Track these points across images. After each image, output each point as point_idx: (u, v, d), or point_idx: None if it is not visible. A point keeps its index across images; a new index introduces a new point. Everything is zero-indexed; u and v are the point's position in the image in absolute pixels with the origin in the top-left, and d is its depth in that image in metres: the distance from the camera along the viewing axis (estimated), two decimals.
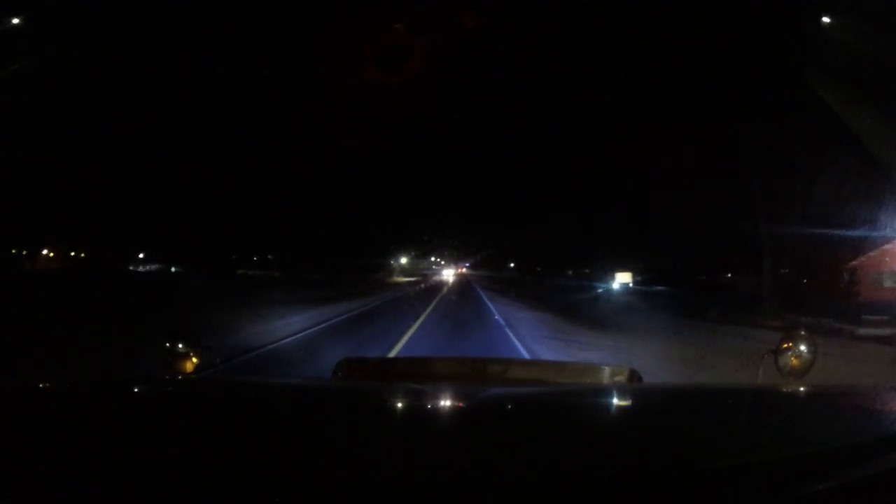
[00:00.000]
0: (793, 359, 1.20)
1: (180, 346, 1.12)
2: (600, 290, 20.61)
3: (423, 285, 28.61)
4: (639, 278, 21.42)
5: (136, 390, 1.08)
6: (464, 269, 45.97)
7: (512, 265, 43.82)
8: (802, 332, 1.22)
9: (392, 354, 6.04)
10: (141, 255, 24.54)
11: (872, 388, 1.25)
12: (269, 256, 25.76)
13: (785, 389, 1.16)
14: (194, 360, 1.12)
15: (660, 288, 20.30)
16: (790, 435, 0.80)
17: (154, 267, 24.61)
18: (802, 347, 1.20)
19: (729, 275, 22.51)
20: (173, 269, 23.99)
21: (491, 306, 14.17)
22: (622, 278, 21.01)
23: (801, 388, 1.16)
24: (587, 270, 28.79)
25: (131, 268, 23.08)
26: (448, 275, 41.74)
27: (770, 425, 0.90)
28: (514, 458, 0.68)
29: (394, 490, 0.58)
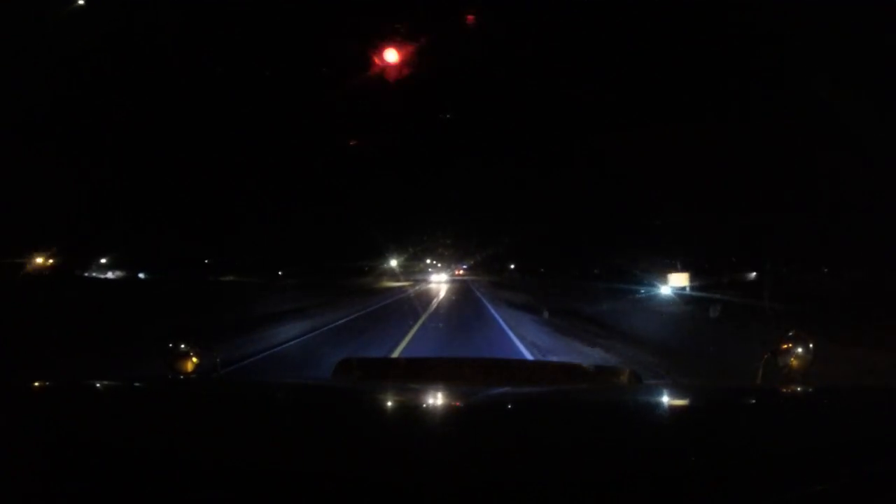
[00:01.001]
0: (792, 359, 1.32)
1: (181, 346, 1.22)
2: (657, 298, 14.34)
3: (412, 292, 23.77)
4: (695, 283, 15.16)
5: (136, 390, 1.17)
6: (461, 271, 44.41)
7: (512, 266, 43.06)
8: (802, 333, 1.34)
9: None
10: (103, 261, 24.28)
11: (872, 388, 1.36)
12: (244, 260, 25.45)
13: (784, 390, 1.25)
14: (194, 359, 1.22)
15: (718, 295, 13.21)
16: (789, 435, 0.86)
17: (116, 274, 24.30)
18: (801, 349, 1.32)
19: (754, 274, 18.35)
20: (141, 276, 23.80)
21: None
22: (677, 280, 15.21)
23: (800, 389, 1.25)
24: (596, 271, 27.71)
25: (94, 274, 22.80)
26: (444, 279, 37.82)
27: (769, 425, 0.96)
28: (514, 459, 0.73)
29: (394, 490, 0.62)
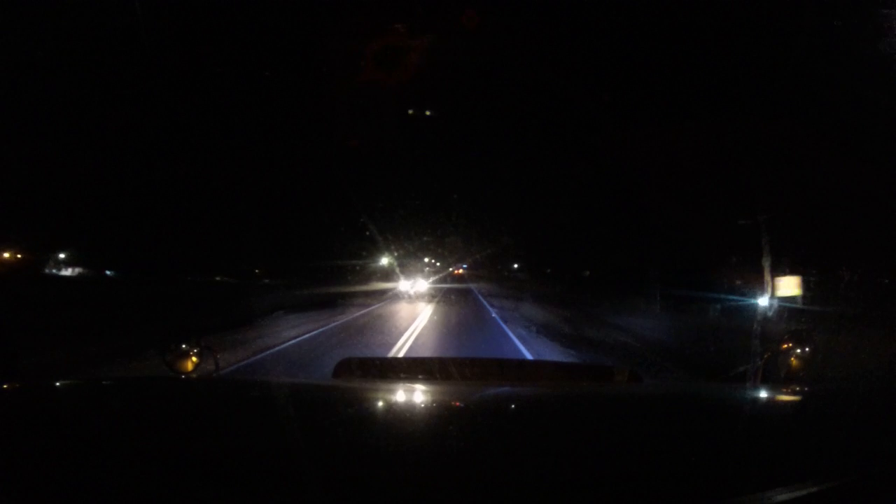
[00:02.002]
0: (792, 359, 1.45)
1: (181, 346, 1.33)
2: (772, 315, 9.42)
3: (392, 302, 18.46)
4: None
5: (136, 390, 1.26)
6: (461, 271, 42.97)
7: (516, 266, 42.43)
8: (802, 333, 1.46)
9: None
10: (61, 256, 24.07)
11: (871, 388, 1.46)
12: (228, 257, 25.19)
13: (784, 390, 1.36)
14: (194, 359, 1.33)
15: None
16: (789, 435, 0.95)
17: (76, 271, 24.08)
18: (801, 349, 1.45)
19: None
20: (108, 273, 23.64)
21: None
22: (786, 287, 10.78)
23: (800, 389, 1.36)
24: (607, 272, 26.44)
25: (54, 271, 22.64)
26: (437, 281, 29.09)
27: (769, 425, 1.06)
28: (514, 458, 0.79)
29: (394, 490, 0.67)
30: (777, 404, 1.27)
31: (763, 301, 10.02)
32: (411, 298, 20.17)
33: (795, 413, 1.19)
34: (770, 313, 9.44)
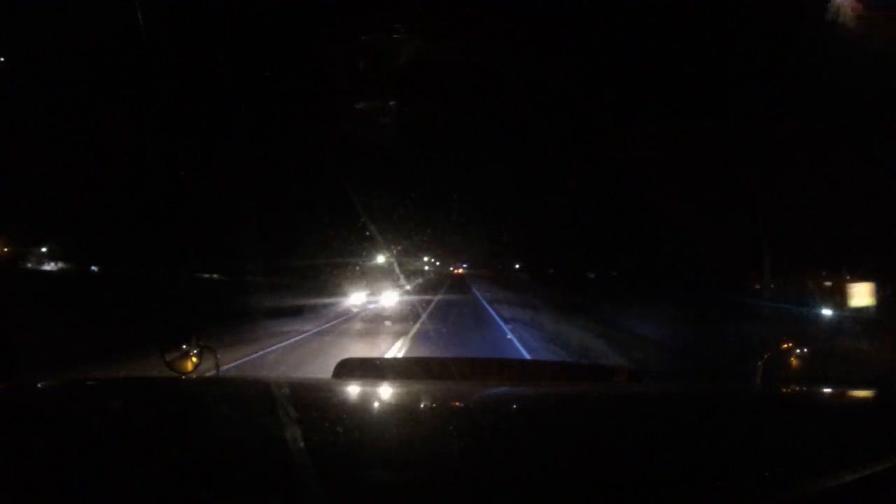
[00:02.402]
0: (792, 359, 1.49)
1: (182, 346, 1.34)
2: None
3: (348, 324, 10.85)
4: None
5: (136, 390, 1.27)
6: (460, 270, 41.73)
7: (517, 266, 41.94)
8: (802, 333, 1.50)
9: None
10: (44, 250, 23.78)
11: (870, 388, 1.50)
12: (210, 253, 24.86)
13: (784, 390, 1.39)
14: (194, 360, 1.34)
15: None
16: (789, 435, 0.96)
17: (59, 265, 23.80)
18: (800, 349, 1.49)
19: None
20: (94, 269, 23.37)
21: None
22: (859, 296, 9.41)
23: (800, 389, 1.40)
24: (615, 273, 25.43)
25: (36, 266, 22.35)
26: (428, 293, 19.61)
27: (769, 425, 1.06)
28: (513, 458, 0.81)
29: (394, 489, 0.68)
30: (777, 404, 1.29)
31: (828, 311, 8.59)
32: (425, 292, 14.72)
33: (795, 413, 1.21)
34: (851, 326, 7.70)
